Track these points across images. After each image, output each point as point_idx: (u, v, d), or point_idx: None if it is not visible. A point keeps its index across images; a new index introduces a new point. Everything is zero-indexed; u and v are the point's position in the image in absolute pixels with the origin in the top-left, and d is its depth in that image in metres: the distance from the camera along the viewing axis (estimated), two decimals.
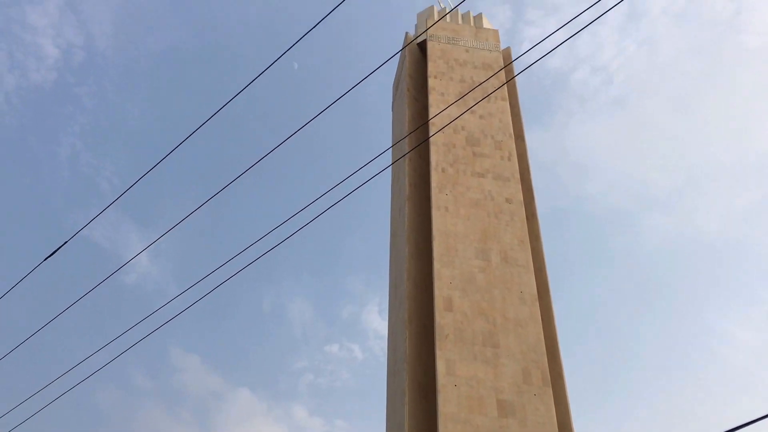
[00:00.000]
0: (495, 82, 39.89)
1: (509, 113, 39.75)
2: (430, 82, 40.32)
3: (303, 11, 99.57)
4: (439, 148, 36.79)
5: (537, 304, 31.50)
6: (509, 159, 37.12)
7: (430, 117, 37.69)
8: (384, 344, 37.57)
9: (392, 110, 47.98)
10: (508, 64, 42.14)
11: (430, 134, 37.27)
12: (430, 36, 43.37)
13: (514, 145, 38.01)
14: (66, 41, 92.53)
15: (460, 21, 45.82)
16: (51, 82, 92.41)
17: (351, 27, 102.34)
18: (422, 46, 44.71)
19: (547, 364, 29.52)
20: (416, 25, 47.90)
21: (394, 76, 49.28)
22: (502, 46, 44.31)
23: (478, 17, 46.66)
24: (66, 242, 15.75)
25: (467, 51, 42.92)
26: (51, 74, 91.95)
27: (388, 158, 41.77)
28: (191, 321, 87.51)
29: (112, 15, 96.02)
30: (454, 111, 36.57)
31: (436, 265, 32.04)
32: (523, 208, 35.25)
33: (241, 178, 14.08)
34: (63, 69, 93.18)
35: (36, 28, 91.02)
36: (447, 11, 47.66)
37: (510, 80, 41.15)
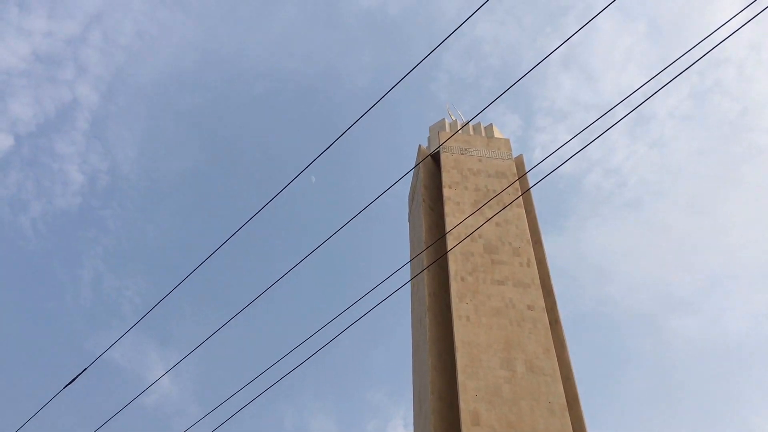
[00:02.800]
0: (510, 190, 40.36)
1: (525, 219, 39.95)
2: (445, 192, 40.87)
3: (319, 126, 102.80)
4: (458, 257, 36.79)
5: (567, 414, 30.43)
6: (528, 265, 36.98)
7: (448, 228, 37.96)
8: None
9: (409, 221, 48.43)
10: (522, 176, 42.76)
11: (448, 245, 37.39)
12: (443, 147, 44.35)
13: (532, 251, 37.96)
14: (91, 167, 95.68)
15: (471, 131, 46.96)
16: (76, 207, 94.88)
17: (365, 140, 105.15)
18: (435, 157, 45.65)
19: None
20: (429, 138, 49.10)
21: (409, 188, 50.10)
22: (514, 154, 45.16)
23: (489, 127, 47.84)
24: (85, 369, 15.61)
25: (480, 160, 43.72)
26: (76, 199, 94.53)
27: (407, 270, 41.78)
28: None
29: (136, 140, 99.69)
30: (470, 220, 36.83)
31: (461, 377, 31.29)
32: (546, 315, 34.74)
33: (262, 298, 14.06)
34: (88, 194, 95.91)
35: (63, 156, 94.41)
36: (459, 125, 48.99)
37: (526, 191, 41.64)
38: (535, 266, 37.18)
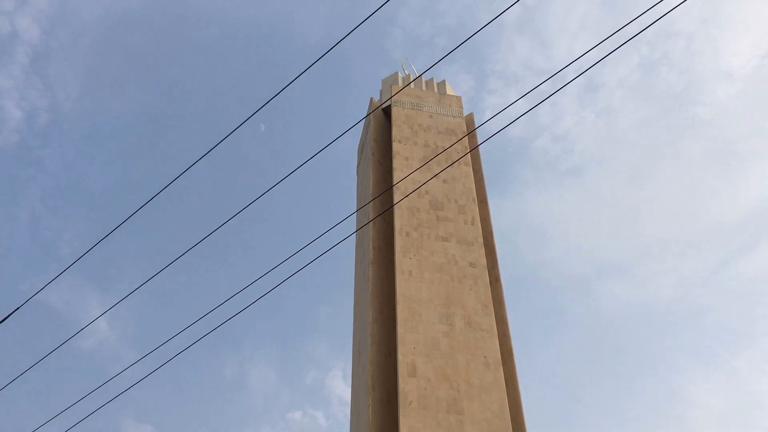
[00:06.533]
0: (459, 148, 40.54)
1: (472, 178, 40.29)
2: (395, 146, 40.81)
3: (270, 75, 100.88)
4: (403, 212, 36.98)
5: (501, 369, 31.31)
6: (472, 223, 37.44)
7: (395, 182, 38.02)
8: (348, 411, 36.81)
9: (357, 174, 48.31)
10: (471, 131, 42.94)
11: (395, 199, 37.51)
12: (395, 101, 44.12)
13: (477, 210, 38.40)
14: (30, 104, 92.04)
15: (424, 87, 46.79)
16: (13, 144, 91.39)
17: (317, 91, 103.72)
18: (387, 111, 45.41)
19: (511, 431, 29.15)
20: (381, 91, 48.75)
21: (359, 140, 49.83)
22: (465, 113, 45.25)
23: (442, 84, 47.73)
24: (19, 307, 15.26)
25: (431, 116, 43.69)
26: (13, 136, 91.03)
27: (352, 221, 41.86)
28: (145, 389, 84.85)
29: (78, 78, 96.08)
30: (418, 175, 36.95)
31: (400, 330, 31.76)
32: (487, 273, 35.38)
33: (203, 243, 13.90)
34: (26, 131, 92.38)
35: (0, 91, 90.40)
36: (411, 78, 48.72)
37: (474, 148, 41.88)
38: (479, 225, 37.67)
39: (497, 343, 32.38)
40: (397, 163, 39.51)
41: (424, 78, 48.08)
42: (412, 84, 45.84)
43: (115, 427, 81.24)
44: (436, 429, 28.46)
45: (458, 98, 45.96)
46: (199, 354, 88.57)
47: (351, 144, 59.53)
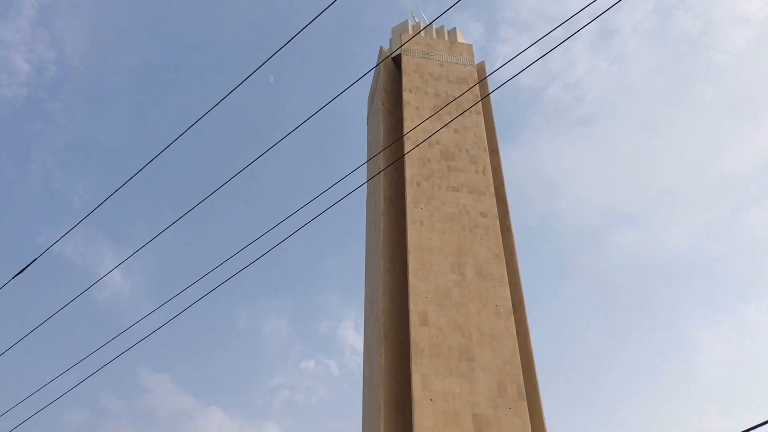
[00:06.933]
0: (470, 96, 40.14)
1: (483, 127, 39.99)
2: (405, 96, 40.44)
3: (279, 26, 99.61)
4: (414, 162, 36.86)
5: (512, 317, 31.58)
6: (484, 173, 37.30)
7: (405, 131, 37.80)
8: (360, 360, 37.40)
9: (367, 124, 48.03)
10: (482, 79, 42.43)
11: (405, 149, 37.35)
12: (405, 50, 43.54)
13: (488, 159, 38.21)
14: (38, 57, 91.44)
15: (434, 35, 46.10)
16: (22, 98, 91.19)
17: (326, 41, 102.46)
18: (397, 60, 44.87)
19: (522, 378, 29.55)
20: (391, 40, 48.09)
21: (369, 90, 49.38)
22: (476, 61, 44.64)
23: (453, 32, 46.99)
24: (35, 259, 15.45)
25: (441, 65, 43.15)
26: (22, 90, 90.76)
27: (363, 172, 41.83)
28: (161, 340, 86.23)
29: (85, 31, 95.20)
30: (428, 125, 36.70)
31: (411, 280, 31.99)
32: (498, 222, 35.39)
33: (216, 195, 13.95)
34: (35, 85, 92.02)
35: (8, 44, 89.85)
36: (422, 26, 47.95)
37: (485, 97, 41.44)
38: (491, 174, 37.54)
39: (508, 292, 32.59)
40: (407, 113, 39.21)
41: (434, 26, 47.33)
42: (422, 32, 45.14)
43: (132, 377, 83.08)
44: (447, 376, 28.90)
45: (469, 46, 45.28)
46: (212, 306, 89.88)
47: (361, 94, 58.95)
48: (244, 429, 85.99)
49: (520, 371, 29.69)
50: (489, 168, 37.75)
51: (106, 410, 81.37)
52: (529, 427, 28.09)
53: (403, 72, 42.29)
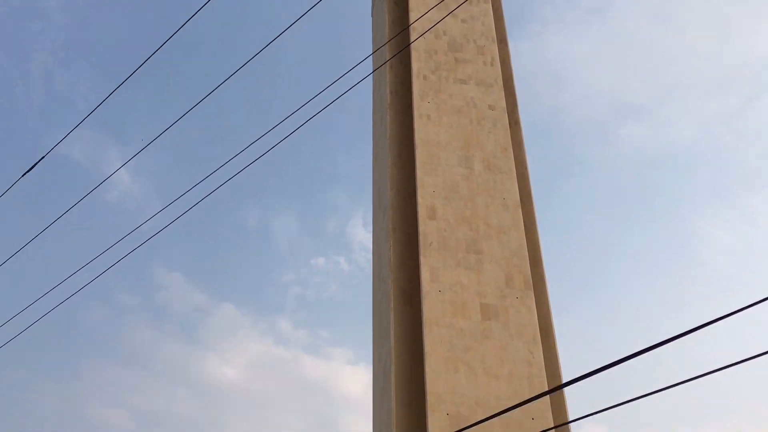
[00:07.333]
0: None
1: (492, 16, 38.79)
2: None
3: None
4: (421, 55, 36.04)
5: (519, 210, 31.74)
6: (492, 64, 36.51)
7: (411, 21, 36.76)
8: (369, 256, 38.01)
9: (372, 15, 46.68)
10: None
11: (411, 40, 36.44)
12: None
13: (496, 50, 37.29)
14: None
15: None
16: None
17: None
18: None
19: (529, 269, 30.04)
20: None
21: None
22: None
23: None
24: (43, 157, 15.46)
25: None
26: None
27: (368, 66, 40.98)
28: (173, 239, 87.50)
29: None
30: (435, 15, 35.65)
31: (419, 174, 31.99)
32: (506, 115, 34.96)
33: (220, 91, 13.73)
34: None
35: None
36: None
37: None
38: (499, 66, 36.74)
39: (516, 185, 32.61)
40: (413, 2, 37.99)
41: None
42: None
43: (148, 275, 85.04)
44: (455, 268, 29.41)
45: None
46: (222, 206, 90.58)
47: None
48: (258, 324, 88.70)
49: (527, 262, 30.15)
50: (497, 59, 36.90)
51: (124, 307, 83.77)
52: (536, 315, 28.81)
53: None
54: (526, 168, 35.29)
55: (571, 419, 21.29)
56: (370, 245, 38.54)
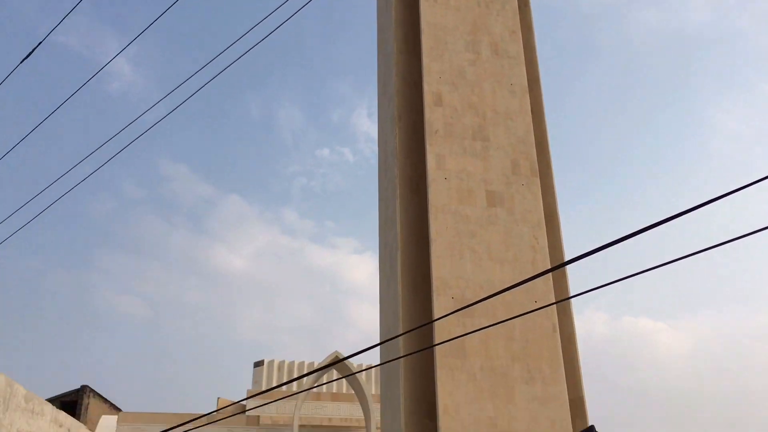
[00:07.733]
0: None
1: None
2: None
3: None
4: None
5: (527, 96, 31.25)
6: None
7: None
8: (374, 146, 37.86)
9: None
10: None
11: None
12: None
13: None
14: None
15: None
16: None
17: None
18: None
19: (535, 155, 29.91)
20: None
21: None
22: None
23: None
24: (40, 42, 15.10)
25: None
26: None
27: None
28: (177, 130, 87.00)
29: None
30: None
31: (425, 60, 31.31)
32: None
33: None
34: None
35: None
36: None
37: None
38: None
39: (524, 70, 31.93)
40: None
41: None
42: None
43: (153, 167, 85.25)
44: (462, 155, 29.32)
45: None
46: (225, 96, 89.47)
47: None
48: (264, 214, 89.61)
49: (534, 149, 29.98)
50: None
51: (131, 199, 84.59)
52: (541, 201, 28.96)
53: None
54: (534, 53, 34.40)
55: (572, 294, 21.74)
56: (374, 136, 38.34)
